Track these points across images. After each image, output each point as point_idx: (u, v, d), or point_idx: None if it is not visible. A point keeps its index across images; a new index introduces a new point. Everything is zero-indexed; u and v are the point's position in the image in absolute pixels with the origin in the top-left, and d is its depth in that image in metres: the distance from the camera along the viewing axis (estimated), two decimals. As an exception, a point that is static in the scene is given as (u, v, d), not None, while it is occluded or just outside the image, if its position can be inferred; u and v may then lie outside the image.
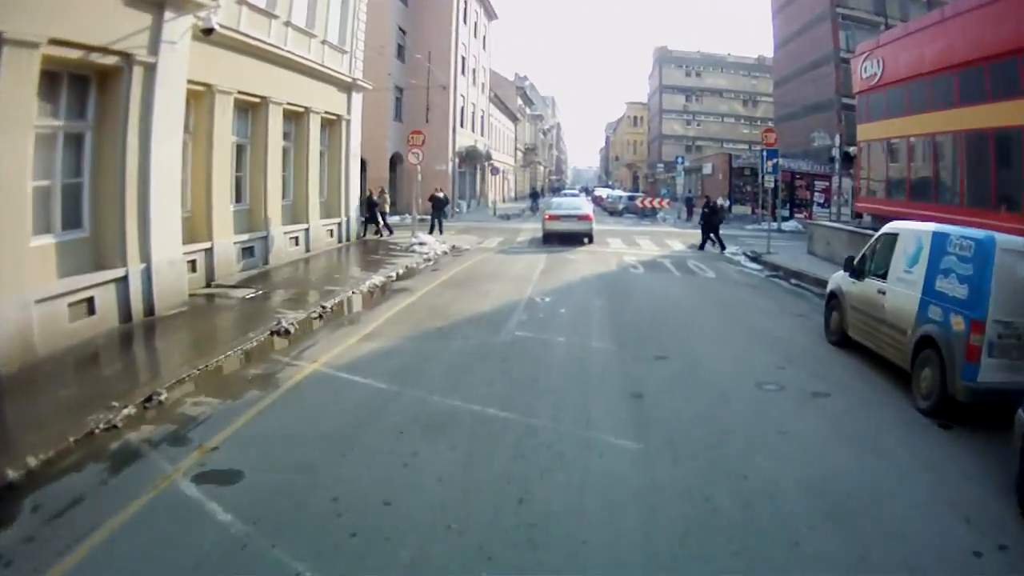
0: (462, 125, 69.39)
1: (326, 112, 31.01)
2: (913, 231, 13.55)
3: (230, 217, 23.25)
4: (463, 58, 69.30)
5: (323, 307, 18.76)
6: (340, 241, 34.03)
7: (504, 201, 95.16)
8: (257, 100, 24.70)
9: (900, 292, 13.16)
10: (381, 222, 39.61)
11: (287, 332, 16.07)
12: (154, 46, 16.34)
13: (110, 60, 15.23)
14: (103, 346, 14.24)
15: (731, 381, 12.95)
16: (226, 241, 22.62)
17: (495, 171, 71.43)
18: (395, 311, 19.32)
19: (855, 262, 15.59)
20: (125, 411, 10.32)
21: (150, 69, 16.27)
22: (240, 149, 24.68)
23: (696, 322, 18.64)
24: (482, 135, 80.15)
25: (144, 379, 12.19)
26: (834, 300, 16.71)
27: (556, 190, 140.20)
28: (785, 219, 52.65)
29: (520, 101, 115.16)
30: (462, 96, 69.46)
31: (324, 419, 10.65)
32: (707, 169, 78.30)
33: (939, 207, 30.12)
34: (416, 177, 49.13)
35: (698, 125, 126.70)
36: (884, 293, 13.79)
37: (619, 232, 47.20)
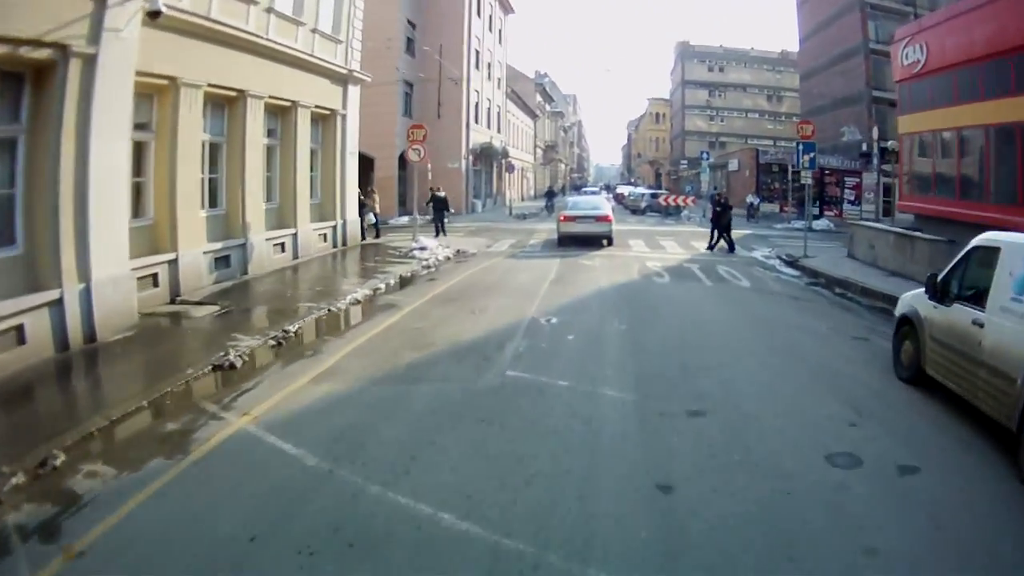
0: (476, 121, 66.77)
1: (317, 106, 28.47)
2: (1022, 245, 10.00)
3: (201, 224, 21.07)
4: (477, 52, 66.74)
5: (285, 331, 15.94)
6: (335, 246, 31.25)
7: (522, 200, 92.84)
8: (234, 94, 22.41)
9: (1007, 327, 9.59)
10: (370, 223, 37.24)
11: (232, 367, 13.33)
12: (95, 35, 14.35)
13: (44, 54, 13.41)
14: (24, 384, 12.06)
15: (791, 453, 9.33)
16: (195, 251, 20.33)
17: (511, 169, 68.16)
18: (368, 336, 16.22)
19: (939, 281, 11.88)
20: (13, 480, 8.27)
21: (89, 61, 14.28)
22: (215, 148, 22.41)
23: (736, 351, 14.96)
24: (498, 132, 77.41)
25: (48, 433, 9.70)
26: (907, 327, 13.10)
27: (578, 188, 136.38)
28: (815, 217, 50.06)
29: (539, 98, 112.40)
30: (476, 91, 66.73)
31: (222, 517, 7.60)
32: (733, 165, 75.40)
33: (996, 207, 26.67)
34: (427, 176, 47.31)
35: (721, 121, 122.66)
36: (982, 326, 10.16)
37: (641, 233, 43.71)
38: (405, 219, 46.56)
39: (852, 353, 15.28)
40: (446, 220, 40.87)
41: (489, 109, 73.63)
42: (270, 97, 24.30)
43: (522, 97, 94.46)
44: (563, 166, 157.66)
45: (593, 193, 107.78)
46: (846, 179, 59.89)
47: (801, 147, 32.98)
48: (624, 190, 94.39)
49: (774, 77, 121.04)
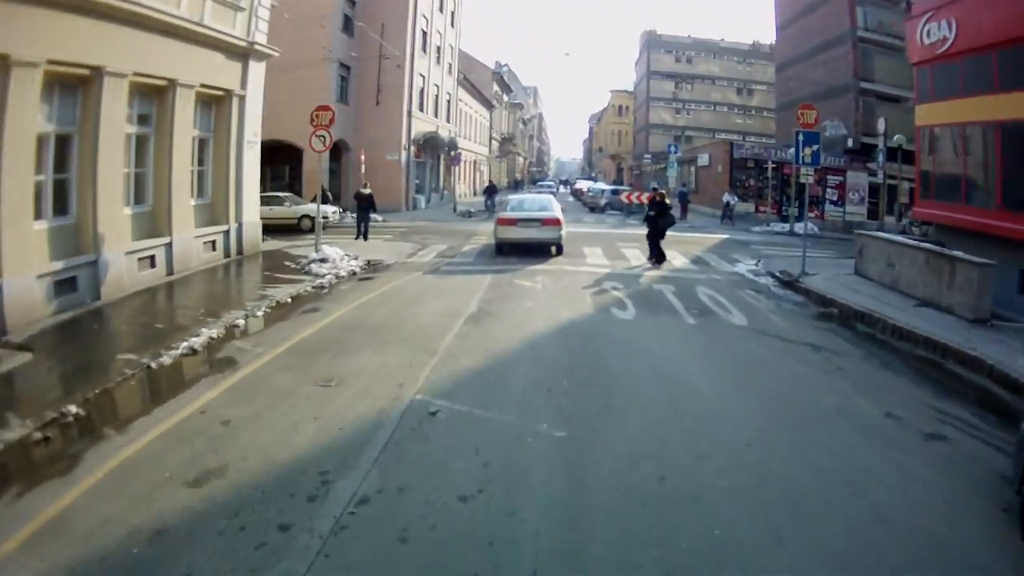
0: (422, 109, 60.19)
1: (205, 86, 23.19)
2: None
3: (36, 238, 16.37)
4: (424, 32, 60.09)
5: (62, 414, 10.34)
6: (227, 255, 25.56)
7: (475, 194, 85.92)
8: (86, 72, 17.53)
9: None
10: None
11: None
12: None
13: None
14: None
15: None
16: (23, 278, 15.51)
17: (456, 161, 61.65)
18: (148, 440, 9.69)
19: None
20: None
21: None
22: (63, 141, 17.47)
23: (750, 478, 8.58)
24: (447, 121, 70.70)
25: None
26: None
27: (535, 182, 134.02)
28: (796, 219, 45.05)
29: (497, 87, 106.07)
30: (421, 76, 59.95)
31: None
32: (703, 160, 67.85)
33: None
34: (361, 168, 43.91)
35: (688, 114, 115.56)
36: None
37: (600, 237, 36.66)
38: (334, 214, 41.40)
39: (933, 476, 8.96)
40: (372, 221, 36.19)
41: (437, 96, 67.13)
42: (136, 75, 19.28)
43: (477, 86, 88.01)
44: (521, 159, 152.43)
45: (549, 187, 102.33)
46: (829, 177, 53.66)
47: (801, 137, 25.89)
48: (583, 185, 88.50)
49: (744, 69, 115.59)
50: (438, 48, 65.63)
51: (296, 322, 16.77)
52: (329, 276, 22.69)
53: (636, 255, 29.46)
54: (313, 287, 21.15)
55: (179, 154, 21.80)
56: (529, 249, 28.26)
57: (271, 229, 34.73)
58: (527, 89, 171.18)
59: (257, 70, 26.36)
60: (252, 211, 27.19)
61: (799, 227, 42.38)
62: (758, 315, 18.60)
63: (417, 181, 60.28)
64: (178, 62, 21.12)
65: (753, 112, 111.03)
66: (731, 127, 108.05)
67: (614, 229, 42.98)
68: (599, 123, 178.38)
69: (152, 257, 20.98)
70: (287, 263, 24.91)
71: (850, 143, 52.74)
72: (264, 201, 36.80)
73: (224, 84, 24.33)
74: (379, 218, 42.19)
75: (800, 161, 25.79)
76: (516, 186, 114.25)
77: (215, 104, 24.65)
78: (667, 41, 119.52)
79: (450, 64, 71.50)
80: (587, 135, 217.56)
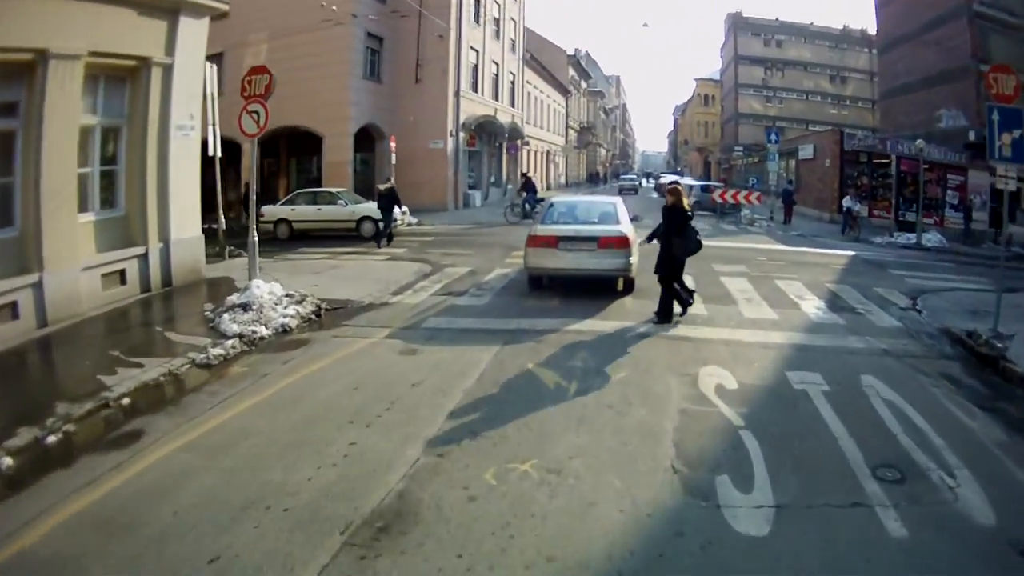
0: (475, 89, 50.92)
1: (101, 55, 16.20)
2: None
3: None
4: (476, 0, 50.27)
5: None
6: (146, 288, 18.12)
7: (548, 188, 76.31)
8: None
9: None
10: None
11: None
12: None
13: None
14: None
15: None
16: None
17: (514, 149, 51.90)
18: None
19: None
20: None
21: None
22: None
23: None
24: (512, 105, 61.51)
25: None
26: None
27: (618, 175, 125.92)
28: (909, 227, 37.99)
29: (573, 72, 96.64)
30: (474, 50, 50.65)
31: None
32: (805, 152, 56.84)
33: None
34: (390, 160, 38.14)
35: (780, 103, 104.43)
36: None
37: (695, 264, 25.91)
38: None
39: None
40: (397, 222, 30.71)
41: (497, 76, 57.78)
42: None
43: (550, 69, 79.00)
44: (603, 151, 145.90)
45: (631, 181, 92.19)
46: (949, 177, 42.52)
47: (997, 116, 15.14)
48: (667, 180, 75.37)
49: (836, 55, 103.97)
50: (496, 20, 56.47)
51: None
52: (233, 341, 13.64)
53: (743, 290, 19.27)
54: (196, 363, 12.43)
55: (54, 153, 14.94)
56: (579, 284, 18.22)
57: (321, 238, 30.76)
58: (609, 79, 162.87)
59: (193, 29, 19.13)
60: (188, 224, 19.45)
61: (928, 239, 34.62)
62: (999, 471, 8.34)
63: (471, 174, 50.75)
64: (50, 24, 14.57)
65: (847, 102, 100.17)
66: (825, 118, 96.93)
67: (708, 241, 31.75)
68: (684, 114, 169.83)
69: (14, 303, 14.21)
70: (207, 306, 16.36)
71: (971, 136, 42.03)
72: (309, 199, 33.34)
73: (136, 50, 17.19)
74: (412, 220, 34.24)
75: (996, 155, 15.31)
76: (593, 180, 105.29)
77: (130, 80, 17.60)
78: (754, 23, 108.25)
79: (513, 41, 62.35)
80: (672, 127, 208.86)
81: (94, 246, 16.65)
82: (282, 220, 32.51)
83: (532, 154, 72.92)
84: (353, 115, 41.37)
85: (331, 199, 32.68)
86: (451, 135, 46.75)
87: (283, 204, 33.45)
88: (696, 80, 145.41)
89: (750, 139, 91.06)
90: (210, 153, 23.71)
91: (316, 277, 20.45)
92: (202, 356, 12.52)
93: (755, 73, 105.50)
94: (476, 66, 51.91)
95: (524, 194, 40.78)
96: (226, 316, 14.70)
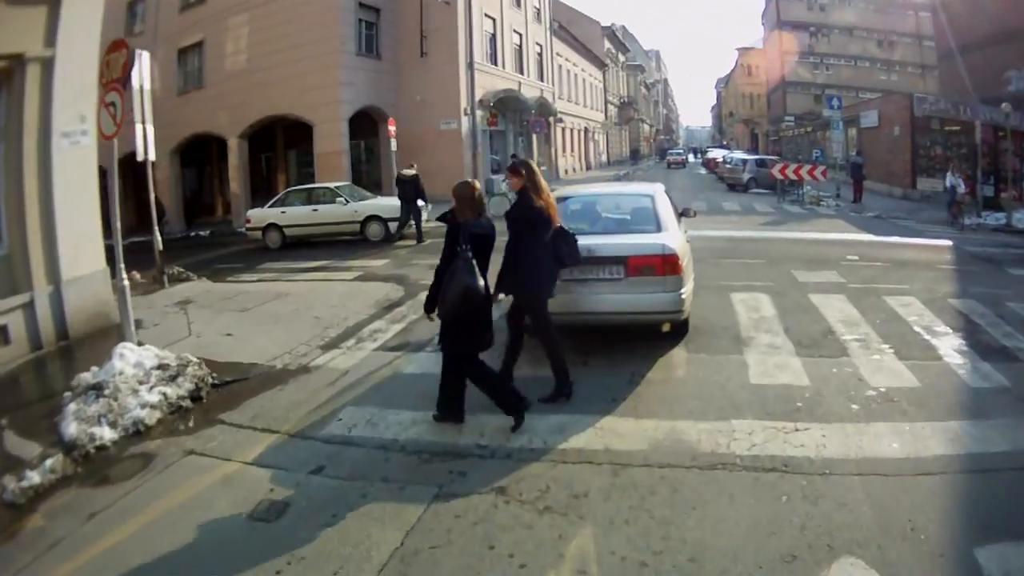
0: (494, 62, 44.72)
1: None
2: None
3: None
4: (486, -38, 44.36)
5: None
6: (36, 347, 13.35)
7: (586, 169, 71.15)
8: None
9: None
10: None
11: None
12: None
13: None
14: None
15: None
16: None
17: (537, 127, 43.98)
18: None
19: None
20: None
21: None
22: None
23: None
24: (540, 79, 55.49)
25: None
26: None
27: (664, 151, 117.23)
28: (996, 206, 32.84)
29: (609, 45, 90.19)
30: (489, 18, 44.44)
31: None
32: (869, 120, 49.63)
33: None
34: (391, 146, 32.48)
35: (827, 70, 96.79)
36: None
37: (758, 251, 19.92)
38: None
39: None
40: (424, 218, 25.49)
41: (521, 48, 51.37)
42: None
43: (583, 42, 72.55)
44: (647, 127, 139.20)
45: (679, 155, 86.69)
46: (1027, 146, 36.29)
47: None
48: (717, 155, 71.89)
49: (881, 18, 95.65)
50: (518, -15, 49.64)
51: None
52: (52, 461, 8.78)
53: (848, 318, 12.54)
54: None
55: None
56: (598, 335, 11.40)
57: (319, 244, 26.00)
58: (648, 53, 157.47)
59: (83, 12, 14.38)
60: (85, 257, 14.62)
61: (1019, 219, 29.46)
62: None
63: (495, 157, 44.15)
64: None
65: (896, 67, 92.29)
66: (874, 84, 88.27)
67: (776, 231, 25.85)
68: (727, 87, 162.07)
69: None
70: (80, 378, 10.95)
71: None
72: (302, 198, 27.41)
73: (3, 48, 12.90)
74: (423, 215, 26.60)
75: None
76: (634, 158, 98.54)
77: (7, 83, 13.29)
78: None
79: (537, 9, 55.91)
80: (715, 101, 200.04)
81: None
82: (271, 226, 26.68)
83: (567, 132, 66.66)
84: (346, 97, 35.74)
85: (329, 197, 26.43)
86: (466, 114, 40.51)
87: (272, 206, 27.45)
88: (738, 50, 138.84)
89: (799, 108, 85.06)
90: (139, 157, 17.72)
91: (240, 317, 14.92)
92: (7, 492, 8.02)
93: (800, 39, 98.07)
94: (494, 36, 45.66)
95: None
96: (71, 408, 9.79)
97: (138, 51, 18.29)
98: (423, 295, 13.60)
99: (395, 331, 13.07)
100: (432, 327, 9.73)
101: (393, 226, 24.86)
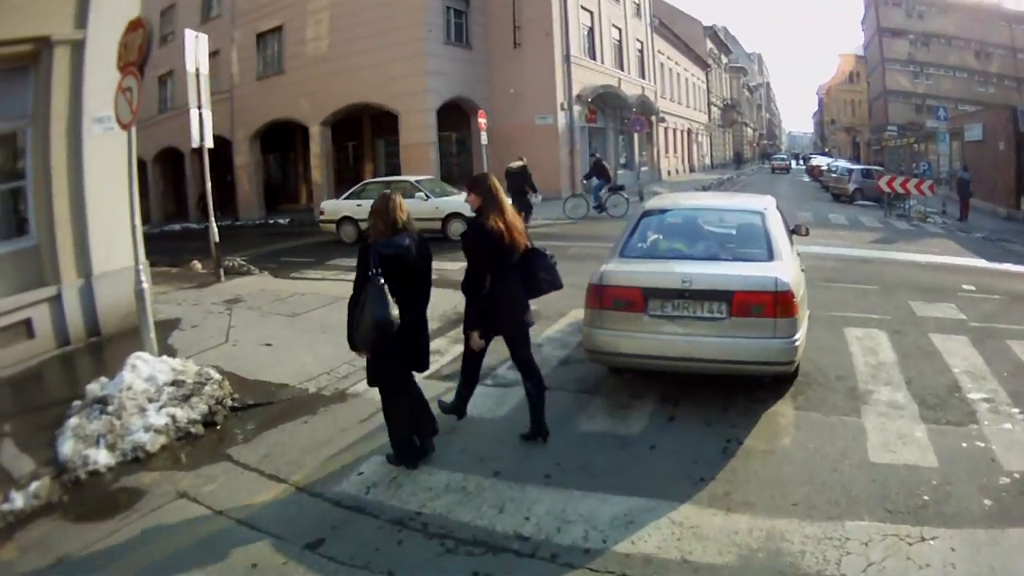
0: (592, 56, 42.75)
1: None
2: None
3: None
4: (583, -47, 42.61)
5: None
6: (63, 343, 12.44)
7: (690, 171, 69.33)
8: None
9: None
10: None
11: None
12: None
13: None
14: None
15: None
16: None
17: (637, 125, 40.71)
18: None
19: None
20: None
21: None
22: None
23: None
24: (642, 77, 53.51)
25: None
26: None
27: (767, 156, 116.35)
28: None
29: (711, 45, 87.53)
30: (587, 11, 42.47)
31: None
32: (973, 133, 46.52)
33: None
34: (480, 139, 30.69)
35: (927, 80, 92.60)
36: None
37: (869, 275, 17.70)
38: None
39: None
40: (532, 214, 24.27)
41: (621, 43, 49.10)
42: None
43: (685, 41, 70.15)
44: (750, 130, 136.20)
45: (782, 160, 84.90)
46: None
47: None
48: (821, 162, 69.20)
49: (978, 28, 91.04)
50: (613, -21, 47.96)
51: None
52: (37, 485, 7.73)
53: (974, 369, 10.23)
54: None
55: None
56: (690, 379, 9.21)
57: None
58: (750, 55, 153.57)
59: None
60: (122, 251, 13.19)
61: None
62: None
63: (597, 155, 41.31)
64: None
65: (994, 80, 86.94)
66: (973, 96, 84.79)
67: (887, 250, 23.04)
68: (828, 93, 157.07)
69: None
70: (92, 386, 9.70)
71: None
72: (382, 190, 21.78)
73: (26, 30, 12.22)
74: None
75: None
76: (737, 162, 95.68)
77: (33, 67, 12.58)
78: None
79: (637, 4, 53.70)
80: (817, 107, 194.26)
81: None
82: (346, 219, 25.29)
83: (670, 132, 64.39)
84: (433, 87, 34.01)
85: (409, 191, 24.03)
86: (562, 108, 38.35)
87: (347, 198, 26.07)
88: (840, 56, 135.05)
89: (900, 118, 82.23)
90: (193, 144, 17.00)
91: (287, 323, 13.39)
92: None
93: (900, 47, 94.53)
94: (591, 29, 43.45)
95: (592, 181, 31.32)
96: (72, 422, 8.78)
97: (194, 33, 17.33)
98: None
99: (456, 353, 11.07)
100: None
101: (457, 228, 23.04)
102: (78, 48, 12.59)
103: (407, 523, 6.42)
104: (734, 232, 9.85)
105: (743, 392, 8.94)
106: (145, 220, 43.68)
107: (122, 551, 6.32)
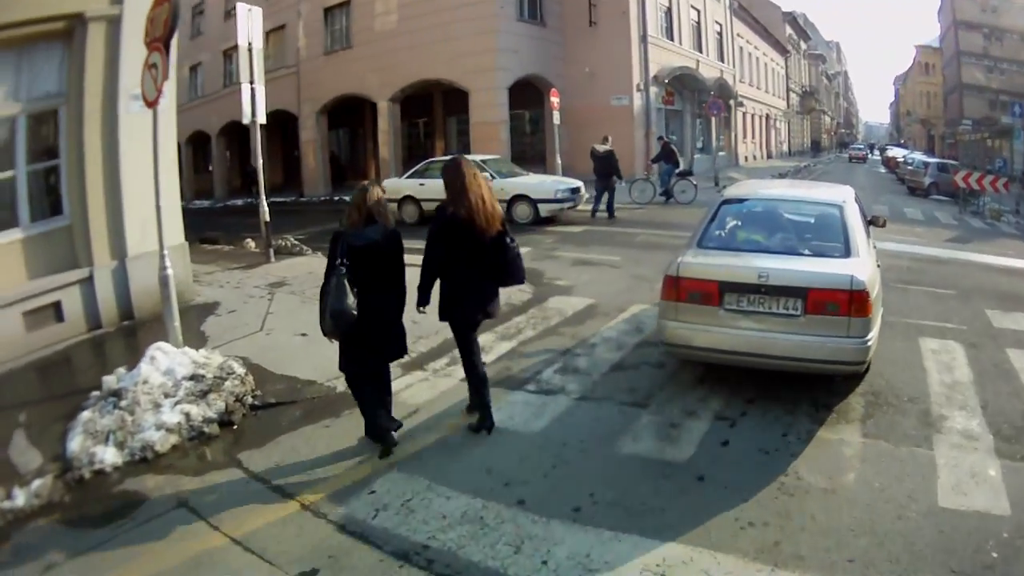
0: (670, 37, 41.60)
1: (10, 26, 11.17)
2: None
3: None
4: (660, -71, 41.43)
5: None
6: (94, 326, 12.27)
7: (767, 157, 67.92)
8: None
9: None
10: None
11: None
12: None
13: None
14: None
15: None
16: None
17: (715, 108, 39.36)
18: None
19: None
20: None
21: None
22: None
23: None
24: (721, 60, 52.35)
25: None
26: None
27: (844, 145, 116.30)
28: None
29: (790, 31, 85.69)
30: (665, -10, 40.87)
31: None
32: (1049, 128, 44.69)
33: None
34: (554, 120, 30.43)
35: (1001, 74, 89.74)
36: None
37: (948, 294, 14.95)
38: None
39: None
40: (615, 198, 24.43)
41: (699, 25, 47.81)
42: None
43: (765, 26, 68.77)
44: (828, 118, 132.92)
45: (859, 150, 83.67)
46: None
47: None
48: (897, 154, 66.64)
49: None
50: (691, -41, 46.69)
51: None
52: (39, 483, 7.35)
53: None
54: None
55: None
56: (757, 390, 8.84)
57: None
58: (828, 43, 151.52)
59: None
60: (152, 233, 12.09)
61: None
62: None
63: (672, 137, 39.50)
64: None
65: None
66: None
67: (963, 251, 21.13)
68: (904, 84, 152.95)
69: None
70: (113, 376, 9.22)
71: None
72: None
73: (58, 7, 11.88)
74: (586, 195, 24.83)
75: None
76: (815, 150, 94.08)
77: (65, 43, 12.25)
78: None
79: (718, -17, 52.20)
80: (893, 98, 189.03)
81: (24, 272, 11.81)
82: (408, 198, 24.39)
83: (748, 117, 62.84)
84: (504, 64, 33.30)
85: None
86: (638, 89, 37.24)
87: (410, 176, 25.25)
88: (916, 47, 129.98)
89: (975, 112, 79.42)
90: (244, 120, 16.83)
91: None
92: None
93: (975, 40, 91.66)
94: (669, 9, 42.05)
95: (660, 165, 29.81)
96: (84, 416, 8.38)
97: (247, 7, 16.79)
98: (554, 300, 12.93)
99: (501, 351, 10.43)
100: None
101: (544, 208, 22.39)
102: (114, 24, 12.25)
103: (411, 558, 5.73)
104: (812, 224, 9.53)
105: (807, 413, 8.09)
106: (208, 195, 43.22)
107: (109, 564, 5.94)
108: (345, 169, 45.22)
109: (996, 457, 7.20)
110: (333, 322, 6.94)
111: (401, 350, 7.57)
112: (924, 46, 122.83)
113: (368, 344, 7.23)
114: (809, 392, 8.36)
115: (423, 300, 7.56)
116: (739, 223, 9.61)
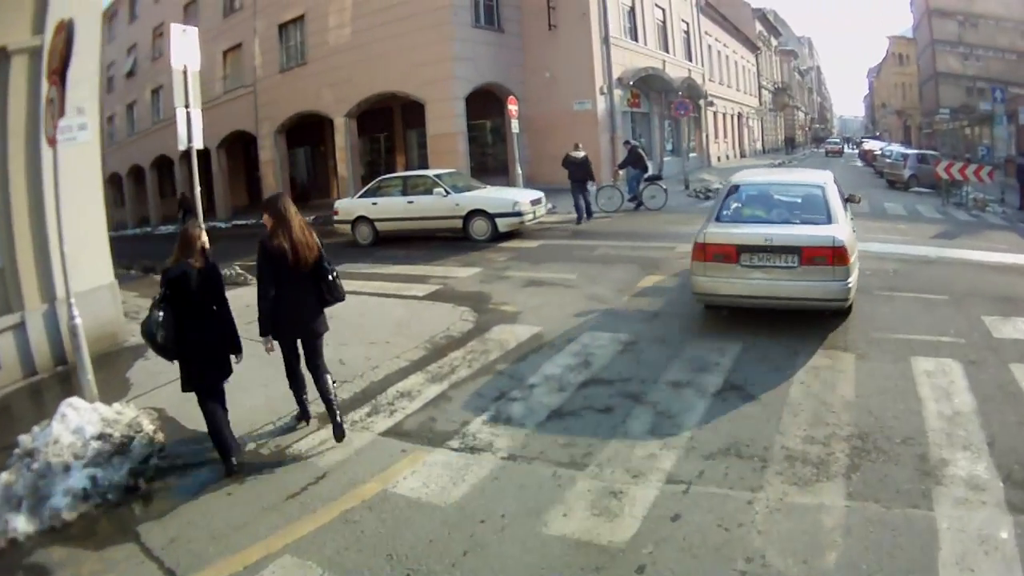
0: (634, 38, 40.96)
1: None
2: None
3: None
4: (620, -72, 40.66)
5: None
6: (29, 373, 11.90)
7: (740, 156, 68.58)
8: None
9: None
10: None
11: None
12: None
13: None
14: None
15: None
16: None
17: (681, 108, 38.64)
18: None
19: None
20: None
21: None
22: None
23: None
24: (688, 59, 52.08)
25: None
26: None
27: (820, 139, 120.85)
28: None
29: (760, 27, 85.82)
30: (626, -11, 40.23)
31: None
32: (1029, 115, 44.44)
33: None
34: (511, 128, 29.85)
35: (977, 61, 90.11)
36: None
37: (939, 300, 13.74)
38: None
39: None
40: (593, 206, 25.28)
41: (665, 24, 47.23)
42: None
43: (734, 23, 68.60)
44: (801, 114, 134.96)
45: (835, 144, 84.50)
46: None
47: None
48: (874, 146, 67.21)
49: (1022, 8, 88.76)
50: (658, -46, 46.03)
51: None
52: None
53: None
54: None
55: None
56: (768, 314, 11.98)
57: (415, 239, 22.78)
58: (800, 39, 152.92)
59: None
60: (88, 271, 12.53)
61: None
62: None
63: (639, 141, 38.51)
64: None
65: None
66: (1022, 79, 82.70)
67: (951, 247, 20.10)
68: (878, 76, 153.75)
69: None
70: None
71: None
72: (397, 188, 23.69)
73: None
74: (540, 209, 23.30)
75: None
76: (790, 147, 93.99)
77: None
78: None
79: (683, -18, 51.70)
80: (867, 91, 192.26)
81: None
82: (361, 219, 23.62)
83: (719, 116, 62.79)
84: (460, 73, 32.67)
85: (427, 187, 22.70)
86: (602, 93, 36.37)
87: (362, 196, 24.38)
88: (889, 38, 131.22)
89: (951, 101, 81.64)
90: (179, 146, 15.61)
91: (258, 351, 11.54)
92: None
93: (949, 28, 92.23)
94: (632, 9, 41.38)
95: (627, 171, 28.78)
96: (3, 478, 7.98)
97: (180, 27, 16.09)
98: (498, 330, 12.41)
99: (428, 397, 9.58)
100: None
101: (503, 223, 21.43)
102: (35, 57, 11.82)
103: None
104: (800, 201, 12.57)
105: (780, 474, 6.97)
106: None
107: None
108: (307, 189, 44.78)
109: (1008, 512, 6.13)
110: (148, 344, 7.81)
111: (221, 372, 8.17)
112: (897, 37, 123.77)
113: (199, 366, 7.91)
114: (782, 441, 7.52)
115: (264, 329, 8.25)
116: (745, 202, 12.81)
